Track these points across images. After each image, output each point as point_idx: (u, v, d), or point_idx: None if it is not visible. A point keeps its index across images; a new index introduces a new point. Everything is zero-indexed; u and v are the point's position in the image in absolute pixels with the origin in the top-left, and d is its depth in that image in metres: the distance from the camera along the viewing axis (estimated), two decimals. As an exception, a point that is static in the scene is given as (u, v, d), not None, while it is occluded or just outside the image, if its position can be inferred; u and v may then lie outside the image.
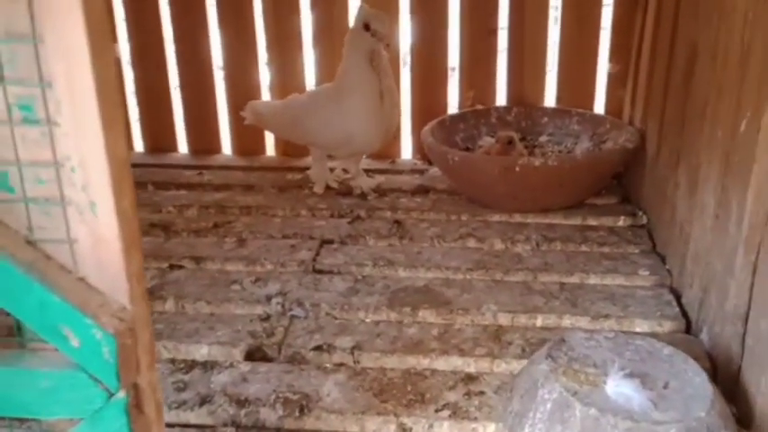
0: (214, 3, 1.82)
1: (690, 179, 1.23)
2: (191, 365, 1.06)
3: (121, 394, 0.52)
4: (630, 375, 0.85)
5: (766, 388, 0.88)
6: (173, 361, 1.07)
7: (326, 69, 1.77)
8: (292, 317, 1.18)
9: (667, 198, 1.35)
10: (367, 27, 1.46)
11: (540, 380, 0.87)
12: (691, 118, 1.25)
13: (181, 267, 1.33)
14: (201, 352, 1.10)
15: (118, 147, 0.50)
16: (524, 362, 0.99)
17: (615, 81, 1.76)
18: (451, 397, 0.98)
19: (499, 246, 1.39)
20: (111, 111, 0.49)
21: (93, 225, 0.50)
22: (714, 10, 1.15)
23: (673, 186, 1.32)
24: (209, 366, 1.06)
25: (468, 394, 0.99)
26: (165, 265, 1.34)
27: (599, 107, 1.80)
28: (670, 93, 1.40)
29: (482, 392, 0.99)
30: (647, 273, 1.28)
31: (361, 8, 1.49)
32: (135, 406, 0.53)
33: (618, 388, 0.84)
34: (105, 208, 0.50)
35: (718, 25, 1.12)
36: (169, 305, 1.22)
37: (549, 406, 0.84)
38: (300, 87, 1.82)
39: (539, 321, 1.16)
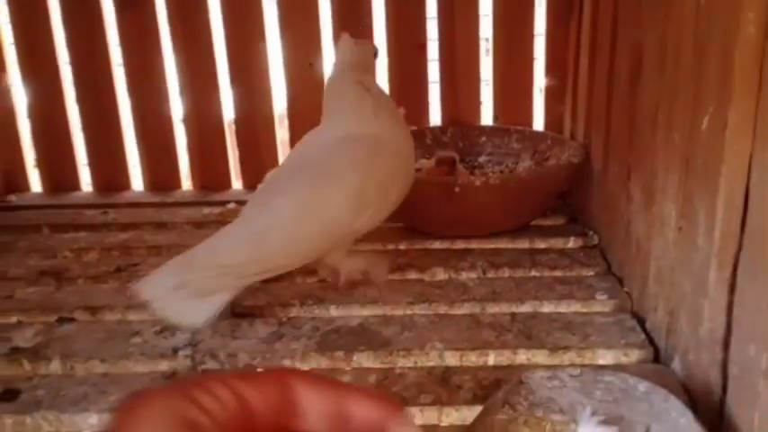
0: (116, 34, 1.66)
1: (644, 191, 1.12)
2: (75, 441, 0.87)
3: None
4: (605, 422, 0.71)
5: (761, 426, 0.75)
6: (54, 436, 0.88)
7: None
8: (204, 372, 1.00)
9: (620, 214, 1.24)
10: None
11: (498, 433, 0.71)
12: (640, 126, 1.14)
13: (72, 320, 1.13)
14: (90, 421, 0.90)
15: None
16: (477, 408, 0.83)
17: (552, 96, 1.67)
18: (394, 459, 0.82)
19: (442, 275, 1.25)
20: None
21: None
22: (659, 6, 1.06)
23: (625, 201, 1.21)
24: (98, 440, 0.87)
25: (414, 454, 0.82)
26: (54, 318, 1.14)
27: (538, 124, 1.71)
28: (614, 103, 1.30)
29: (430, 450, 0.83)
30: (605, 297, 1.16)
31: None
32: None
33: (592, 438, 0.69)
34: None
35: (665, 22, 1.03)
36: (55, 366, 1.01)
37: (511, 466, 0.68)
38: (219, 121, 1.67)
39: (491, 359, 1.01)
